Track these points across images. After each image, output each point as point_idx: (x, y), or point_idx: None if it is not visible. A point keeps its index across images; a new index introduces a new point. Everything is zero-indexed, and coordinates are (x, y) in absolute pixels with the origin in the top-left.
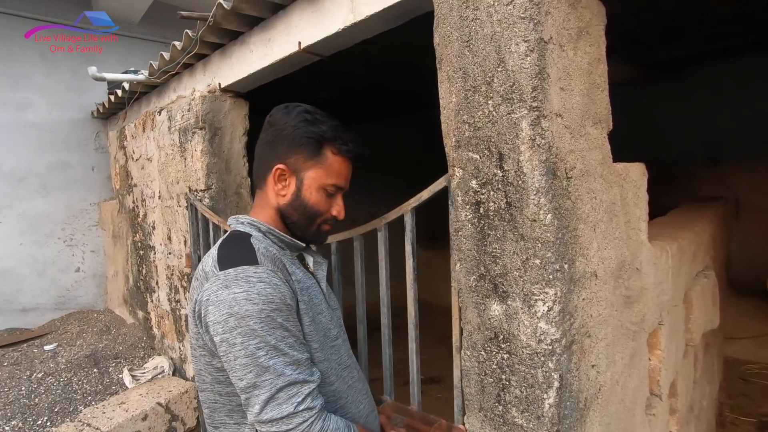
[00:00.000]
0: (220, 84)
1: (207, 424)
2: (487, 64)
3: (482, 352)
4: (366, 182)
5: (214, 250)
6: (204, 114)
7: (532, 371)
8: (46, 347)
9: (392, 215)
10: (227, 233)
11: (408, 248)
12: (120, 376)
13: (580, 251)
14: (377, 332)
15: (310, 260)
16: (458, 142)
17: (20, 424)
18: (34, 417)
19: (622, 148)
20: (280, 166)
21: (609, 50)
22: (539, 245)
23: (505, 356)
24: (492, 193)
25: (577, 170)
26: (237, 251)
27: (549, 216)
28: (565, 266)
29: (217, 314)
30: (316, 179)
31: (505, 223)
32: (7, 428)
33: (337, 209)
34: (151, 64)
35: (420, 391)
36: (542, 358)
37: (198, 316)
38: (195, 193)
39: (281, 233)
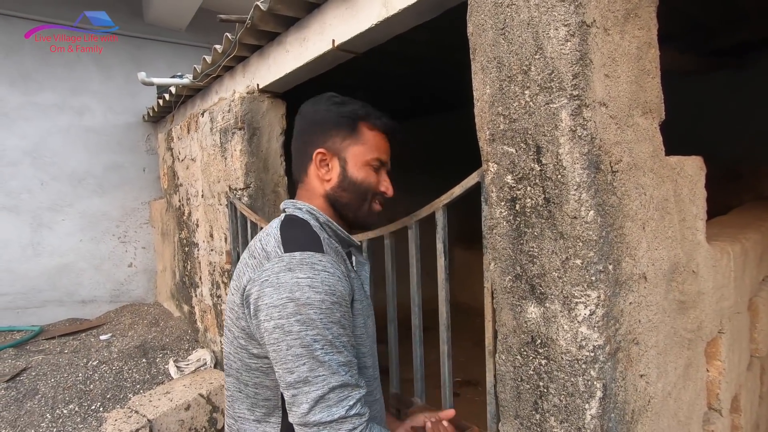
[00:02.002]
0: (258, 85)
1: (228, 415)
2: (523, 52)
3: (518, 357)
4: (404, 182)
5: (274, 230)
6: (243, 114)
7: (573, 379)
8: (102, 337)
9: (423, 212)
10: (284, 216)
11: (439, 247)
12: (166, 366)
13: (627, 251)
14: (410, 332)
15: (353, 259)
16: (492, 135)
17: (76, 408)
18: (88, 402)
19: (680, 142)
20: (320, 150)
21: (666, 37)
22: (580, 244)
23: (543, 362)
24: (529, 188)
25: (624, 163)
26: (302, 235)
27: (591, 213)
28: (610, 267)
29: (275, 297)
30: (359, 155)
31: (543, 221)
32: (65, 411)
33: (385, 185)
34: (194, 67)
35: (452, 395)
36: (583, 366)
37: (247, 295)
38: (234, 191)
39: (338, 227)
